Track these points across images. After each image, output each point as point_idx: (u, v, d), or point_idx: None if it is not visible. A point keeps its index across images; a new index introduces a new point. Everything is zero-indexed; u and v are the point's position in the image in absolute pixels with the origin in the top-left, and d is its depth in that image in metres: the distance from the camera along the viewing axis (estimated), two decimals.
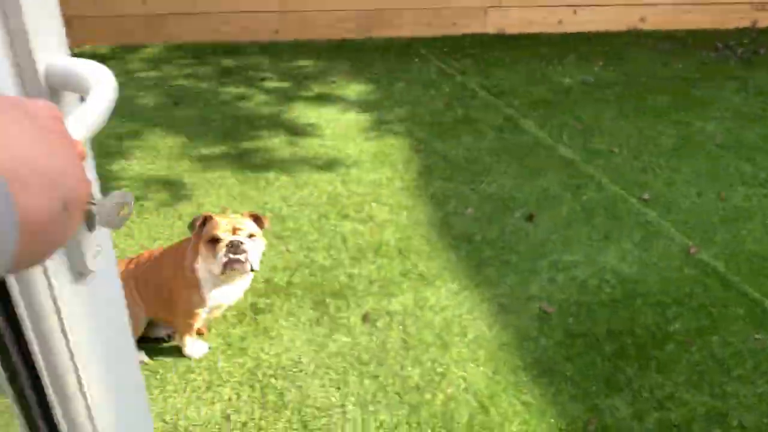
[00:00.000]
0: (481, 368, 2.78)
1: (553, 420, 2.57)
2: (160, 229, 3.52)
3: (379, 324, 2.99)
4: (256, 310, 3.04)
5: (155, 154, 4.23)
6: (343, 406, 2.62)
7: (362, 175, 4.08)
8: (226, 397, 2.63)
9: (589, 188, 4.02)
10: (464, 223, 3.65)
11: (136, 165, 4.05)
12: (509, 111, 5.01)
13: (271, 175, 4.06)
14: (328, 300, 3.11)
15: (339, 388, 2.69)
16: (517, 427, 2.55)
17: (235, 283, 2.70)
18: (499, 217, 3.70)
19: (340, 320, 3.01)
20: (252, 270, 2.57)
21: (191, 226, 2.62)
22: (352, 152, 4.30)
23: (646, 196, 3.95)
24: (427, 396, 2.66)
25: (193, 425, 2.52)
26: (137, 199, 3.74)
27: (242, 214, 2.67)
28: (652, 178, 4.15)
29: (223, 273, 2.53)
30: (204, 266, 2.61)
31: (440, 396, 2.66)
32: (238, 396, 2.64)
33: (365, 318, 3.02)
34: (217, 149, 4.36)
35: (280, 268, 3.30)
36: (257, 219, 2.68)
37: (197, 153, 4.31)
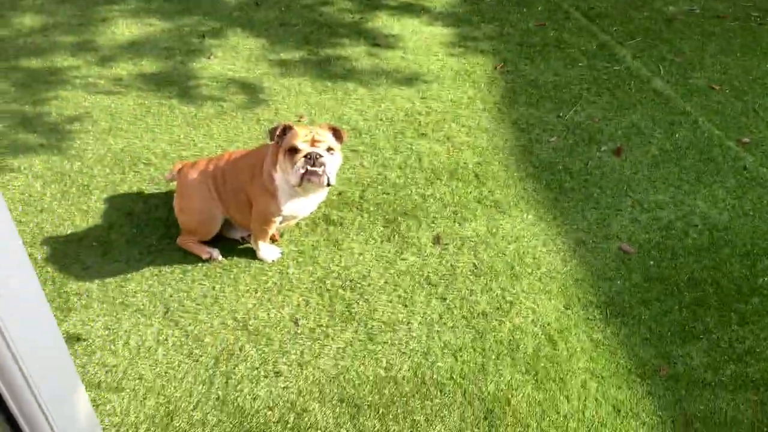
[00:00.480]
0: (552, 302, 2.72)
1: (622, 361, 2.51)
2: (238, 131, 3.51)
3: (450, 247, 2.94)
4: (328, 221, 3.04)
5: (235, 55, 4.18)
6: (409, 323, 2.63)
7: (442, 92, 3.93)
8: (295, 303, 2.68)
9: (684, 126, 3.77)
10: (547, 152, 3.50)
11: (216, 64, 4.02)
12: (604, 37, 4.69)
13: (350, 86, 3.96)
14: (399, 218, 3.07)
15: (406, 306, 2.69)
16: (584, 363, 2.50)
17: (311, 196, 2.67)
18: (584, 149, 3.53)
19: (410, 240, 2.97)
20: (328, 184, 2.52)
21: (270, 133, 2.58)
22: (434, 68, 4.13)
23: (745, 139, 3.68)
24: (494, 323, 2.64)
25: (263, 325, 2.58)
26: (217, 99, 3.73)
27: (321, 126, 2.61)
28: (755, 121, 3.85)
29: (299, 185, 2.49)
30: (281, 176, 2.58)
31: (507, 325, 2.63)
32: (307, 303, 2.68)
33: (436, 240, 2.98)
34: (297, 54, 4.27)
35: (353, 182, 3.27)
36: (336, 132, 2.61)
37: (276, 57, 4.24)
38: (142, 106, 3.66)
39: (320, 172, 2.46)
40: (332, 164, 2.51)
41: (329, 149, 2.52)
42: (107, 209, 3.02)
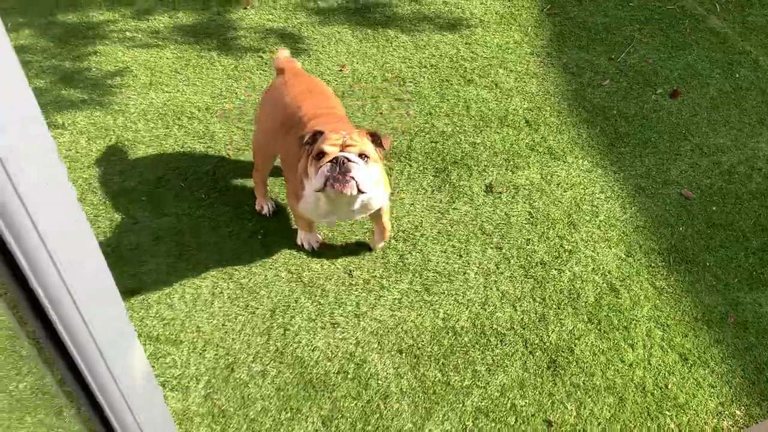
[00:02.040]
0: (613, 249, 2.64)
1: (688, 309, 2.44)
2: None
3: (503, 196, 2.86)
4: None
5: (272, 4, 4.06)
6: (465, 273, 2.57)
7: (488, 37, 3.78)
8: (348, 254, 2.64)
9: (743, 66, 3.58)
10: (599, 96, 3.36)
11: (254, 15, 3.91)
12: None
13: (391, 33, 3.83)
14: (449, 167, 2.99)
15: (461, 256, 2.63)
16: (648, 311, 2.43)
17: (343, 209, 2.34)
18: (638, 92, 3.38)
19: (462, 189, 2.90)
20: (360, 192, 2.17)
21: (299, 140, 2.30)
22: (478, 12, 3.97)
23: None
24: (553, 272, 2.57)
25: (317, 276, 2.55)
26: (257, 50, 3.65)
27: (359, 132, 2.27)
28: None
29: (322, 190, 2.18)
30: (309, 186, 2.29)
31: (567, 273, 2.56)
32: (360, 254, 2.64)
33: (489, 189, 2.90)
34: (335, 2, 4.14)
35: (400, 131, 3.18)
36: (375, 138, 2.28)
37: (314, 6, 4.11)
38: (181, 59, 3.59)
39: (347, 177, 2.14)
40: (363, 171, 2.18)
41: (362, 155, 2.20)
42: (153, 164, 2.99)
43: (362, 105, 3.33)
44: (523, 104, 3.31)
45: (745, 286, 2.50)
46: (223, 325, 2.41)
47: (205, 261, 2.61)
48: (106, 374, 0.93)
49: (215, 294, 2.50)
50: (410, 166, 3.01)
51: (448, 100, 3.35)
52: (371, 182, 2.22)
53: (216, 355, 2.33)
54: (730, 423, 2.13)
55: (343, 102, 3.29)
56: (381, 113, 3.26)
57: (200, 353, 2.33)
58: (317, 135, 2.26)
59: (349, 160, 2.16)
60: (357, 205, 2.30)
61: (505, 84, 3.44)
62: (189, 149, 3.07)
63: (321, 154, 2.20)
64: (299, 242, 2.67)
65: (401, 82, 3.47)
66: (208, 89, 3.40)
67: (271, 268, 2.58)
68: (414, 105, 3.33)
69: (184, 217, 2.78)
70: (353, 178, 2.15)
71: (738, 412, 2.16)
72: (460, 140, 3.12)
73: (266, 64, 3.56)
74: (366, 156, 2.20)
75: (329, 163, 2.16)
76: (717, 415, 2.15)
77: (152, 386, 1.09)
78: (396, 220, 2.77)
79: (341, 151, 2.18)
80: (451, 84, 3.45)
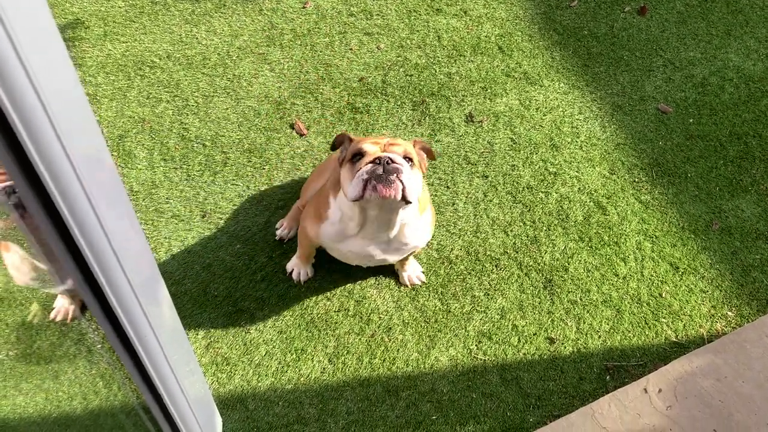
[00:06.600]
0: (596, 168, 2.66)
1: (674, 220, 2.48)
2: (242, 25, 3.29)
3: (484, 124, 2.84)
4: (354, 110, 2.90)
5: None
6: (454, 204, 2.56)
7: None
8: None
9: None
10: (569, 17, 3.32)
11: None
12: None
13: None
14: (427, 100, 2.94)
15: (448, 187, 2.62)
16: (636, 225, 2.47)
17: (373, 244, 2.00)
18: (607, 12, 3.35)
19: (442, 120, 2.86)
20: (405, 201, 1.78)
21: (332, 146, 2.01)
22: None
23: None
24: (540, 195, 2.58)
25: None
26: None
27: (409, 141, 1.99)
28: None
29: (360, 197, 1.77)
30: (337, 202, 1.96)
31: (554, 195, 2.58)
32: None
33: (469, 118, 2.86)
34: None
35: (373, 66, 3.10)
36: (423, 147, 2.01)
37: None
38: (134, 7, 3.40)
39: (392, 178, 1.75)
40: (409, 175, 1.79)
41: (407, 158, 1.86)
42: (119, 117, 2.86)
43: (330, 42, 3.22)
44: (494, 30, 3.25)
45: (726, 194, 2.56)
46: (213, 273, 2.36)
47: (185, 213, 2.53)
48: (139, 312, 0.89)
49: (202, 244, 2.44)
50: (387, 101, 2.95)
51: (418, 31, 3.27)
52: (417, 191, 1.84)
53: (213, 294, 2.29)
54: (723, 324, 2.21)
55: (310, 41, 3.19)
56: (351, 49, 3.17)
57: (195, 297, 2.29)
58: (346, 140, 1.97)
59: (393, 161, 1.78)
60: (394, 232, 1.95)
61: (473, 11, 3.36)
62: (155, 99, 2.94)
63: (359, 154, 1.85)
64: (289, 269, 2.36)
65: (368, 16, 3.37)
66: (167, 36, 3.24)
67: (256, 215, 2.53)
68: (384, 38, 3.24)
69: (157, 169, 2.68)
70: (399, 180, 1.76)
71: (730, 313, 2.24)
72: (435, 71, 3.06)
73: (225, 5, 3.40)
74: (410, 159, 1.86)
75: (370, 164, 1.79)
76: (710, 318, 2.23)
77: (179, 324, 1.05)
78: None
79: (383, 151, 1.85)
80: (420, 14, 3.36)
